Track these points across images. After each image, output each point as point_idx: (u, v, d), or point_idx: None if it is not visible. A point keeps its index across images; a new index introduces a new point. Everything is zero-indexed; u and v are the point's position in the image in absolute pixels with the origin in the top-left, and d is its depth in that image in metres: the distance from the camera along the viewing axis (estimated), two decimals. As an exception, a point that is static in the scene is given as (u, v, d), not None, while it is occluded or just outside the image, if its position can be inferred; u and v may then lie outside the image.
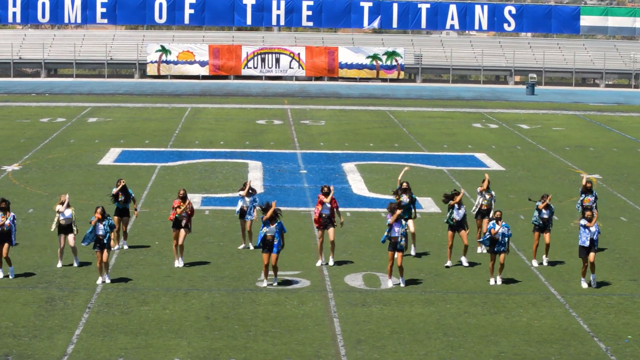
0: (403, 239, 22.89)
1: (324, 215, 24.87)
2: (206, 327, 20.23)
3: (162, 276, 23.75)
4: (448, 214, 25.08)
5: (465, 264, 25.05)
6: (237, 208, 26.39)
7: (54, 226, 24.41)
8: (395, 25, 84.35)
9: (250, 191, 26.38)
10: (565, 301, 22.43)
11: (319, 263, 24.97)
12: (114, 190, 26.05)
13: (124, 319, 20.55)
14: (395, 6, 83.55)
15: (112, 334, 19.69)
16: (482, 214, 26.39)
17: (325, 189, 25.12)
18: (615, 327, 20.77)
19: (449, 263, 25.09)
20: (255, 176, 37.17)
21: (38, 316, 20.65)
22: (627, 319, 21.32)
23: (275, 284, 23.07)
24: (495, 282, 23.62)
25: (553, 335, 20.14)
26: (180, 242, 24.64)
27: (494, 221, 23.40)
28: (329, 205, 24.96)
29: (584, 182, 27.13)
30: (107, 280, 23.06)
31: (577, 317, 21.35)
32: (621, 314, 21.64)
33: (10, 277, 23.33)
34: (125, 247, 26.28)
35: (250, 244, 26.40)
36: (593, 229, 23.07)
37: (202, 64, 77.94)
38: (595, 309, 21.94)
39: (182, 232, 24.60)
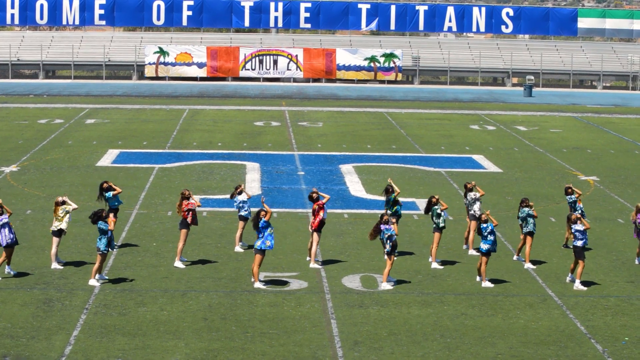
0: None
1: (324, 220, 25.04)
2: (204, 328, 20.25)
3: (159, 277, 23.78)
4: (441, 219, 25.24)
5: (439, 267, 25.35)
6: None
7: (65, 225, 24.46)
8: (393, 27, 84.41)
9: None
10: (562, 303, 22.46)
11: (318, 265, 25.05)
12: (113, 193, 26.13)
13: (122, 320, 20.58)
14: (393, 8, 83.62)
15: (110, 335, 19.71)
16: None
17: (315, 195, 25.13)
18: (612, 328, 20.81)
19: (438, 265, 25.29)
20: (253, 178, 37.20)
21: (36, 317, 20.67)
22: (625, 320, 21.36)
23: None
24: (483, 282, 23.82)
25: (550, 337, 20.17)
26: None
27: (484, 223, 23.55)
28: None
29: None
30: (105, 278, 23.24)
31: (574, 318, 21.39)
32: (618, 315, 21.68)
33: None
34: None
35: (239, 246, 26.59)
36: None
37: (200, 65, 77.97)
38: (593, 310, 21.98)
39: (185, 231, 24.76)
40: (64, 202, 24.51)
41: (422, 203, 32.90)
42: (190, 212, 24.65)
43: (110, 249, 23.11)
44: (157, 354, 18.79)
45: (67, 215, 24.40)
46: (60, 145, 44.41)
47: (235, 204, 26.43)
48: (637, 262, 25.91)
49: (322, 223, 24.94)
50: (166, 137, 47.41)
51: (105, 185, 26.30)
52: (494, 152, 44.82)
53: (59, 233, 24.42)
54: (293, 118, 56.19)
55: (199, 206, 25.07)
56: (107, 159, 40.88)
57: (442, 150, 45.39)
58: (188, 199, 24.81)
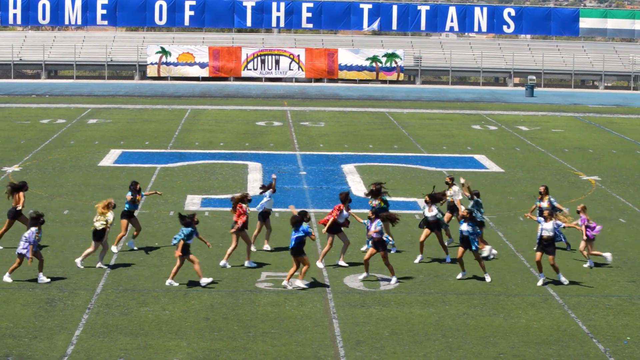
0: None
1: (338, 222, 25.01)
2: (206, 328, 20.28)
3: (162, 277, 23.79)
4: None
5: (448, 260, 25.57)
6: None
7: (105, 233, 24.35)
8: (394, 27, 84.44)
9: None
10: (564, 302, 22.49)
11: (321, 265, 25.04)
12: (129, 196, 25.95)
13: (124, 320, 20.61)
14: (394, 8, 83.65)
15: (112, 334, 19.74)
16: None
17: (348, 199, 25.26)
18: (614, 328, 20.83)
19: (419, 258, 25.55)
20: (255, 177, 37.22)
21: (38, 317, 20.70)
22: (626, 320, 21.38)
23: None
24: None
25: (552, 337, 20.20)
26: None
27: (462, 219, 23.85)
28: (346, 215, 25.11)
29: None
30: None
31: (576, 318, 21.41)
32: (620, 315, 21.70)
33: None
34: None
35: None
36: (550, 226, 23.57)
37: (202, 65, 78.02)
38: (594, 310, 21.99)
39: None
40: (114, 207, 24.46)
41: (423, 203, 32.87)
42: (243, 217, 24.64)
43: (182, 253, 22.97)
44: (159, 353, 18.83)
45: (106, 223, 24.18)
46: (62, 145, 44.45)
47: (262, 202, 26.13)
48: (589, 264, 25.75)
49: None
50: (168, 137, 47.44)
51: (138, 186, 26.16)
52: (496, 152, 44.84)
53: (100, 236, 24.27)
54: (295, 118, 56.22)
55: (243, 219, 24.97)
56: (109, 159, 40.91)
57: (444, 150, 45.41)
58: (245, 203, 24.83)
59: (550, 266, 23.64)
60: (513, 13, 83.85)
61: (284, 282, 23.10)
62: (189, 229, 22.83)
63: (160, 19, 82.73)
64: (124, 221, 25.84)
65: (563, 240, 24.25)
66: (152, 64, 77.96)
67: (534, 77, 77.88)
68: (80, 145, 44.44)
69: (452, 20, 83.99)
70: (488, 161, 42.38)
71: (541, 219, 23.74)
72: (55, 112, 56.52)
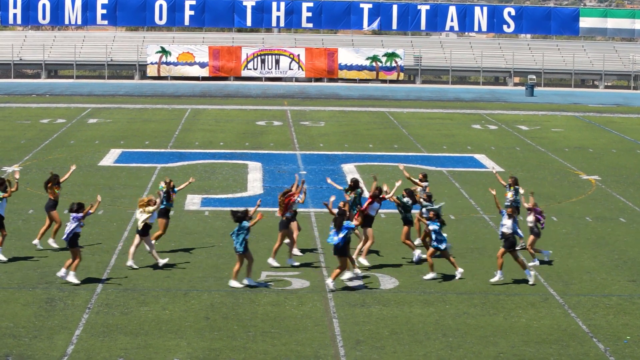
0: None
1: (370, 215, 25.01)
2: (206, 327, 20.28)
3: (161, 277, 23.80)
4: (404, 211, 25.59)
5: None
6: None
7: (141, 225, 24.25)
8: (394, 26, 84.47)
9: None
10: (564, 302, 22.48)
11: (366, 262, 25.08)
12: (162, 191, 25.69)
13: (124, 320, 20.61)
14: (394, 7, 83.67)
15: (112, 334, 19.74)
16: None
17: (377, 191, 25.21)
18: (614, 327, 20.83)
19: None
20: (255, 177, 37.22)
21: (38, 317, 20.70)
22: (626, 319, 21.37)
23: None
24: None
25: (552, 336, 20.19)
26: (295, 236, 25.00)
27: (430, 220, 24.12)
28: (377, 206, 25.10)
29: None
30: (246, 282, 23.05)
31: (576, 317, 21.41)
32: (620, 314, 21.69)
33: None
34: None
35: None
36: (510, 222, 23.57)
37: (202, 65, 78.03)
38: (594, 309, 21.99)
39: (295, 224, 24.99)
40: (155, 203, 24.40)
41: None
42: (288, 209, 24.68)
43: (244, 250, 22.80)
44: (159, 353, 18.82)
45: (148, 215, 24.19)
46: (62, 144, 44.45)
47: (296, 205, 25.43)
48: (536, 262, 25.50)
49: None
50: (168, 137, 47.44)
51: (172, 183, 25.96)
52: (496, 152, 44.84)
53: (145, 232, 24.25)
54: (295, 117, 56.22)
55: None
56: (109, 159, 40.91)
57: (444, 149, 45.40)
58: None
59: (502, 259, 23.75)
60: (513, 12, 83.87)
61: (329, 281, 22.94)
62: (246, 223, 22.70)
63: (160, 18, 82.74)
64: (161, 220, 25.58)
65: (521, 236, 24.29)
66: (152, 63, 77.98)
67: (534, 77, 77.89)
68: (80, 145, 44.44)
69: (452, 20, 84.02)
70: (488, 160, 42.38)
71: (505, 214, 23.85)
72: (55, 111, 56.53)
